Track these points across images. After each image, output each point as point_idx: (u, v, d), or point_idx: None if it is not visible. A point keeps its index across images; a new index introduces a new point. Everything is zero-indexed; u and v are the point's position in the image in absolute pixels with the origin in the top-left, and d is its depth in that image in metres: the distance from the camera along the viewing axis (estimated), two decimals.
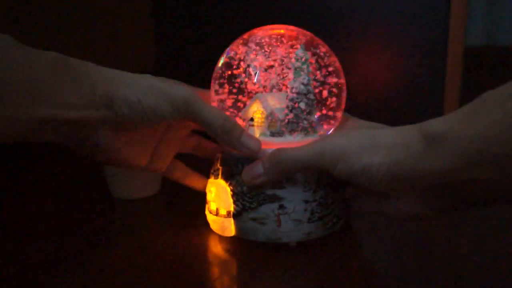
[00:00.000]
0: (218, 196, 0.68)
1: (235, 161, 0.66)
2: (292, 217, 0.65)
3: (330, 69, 0.67)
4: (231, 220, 0.67)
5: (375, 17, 1.09)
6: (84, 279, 0.62)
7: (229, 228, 0.68)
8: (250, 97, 0.68)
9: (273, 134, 0.66)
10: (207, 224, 0.73)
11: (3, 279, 0.62)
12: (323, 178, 0.66)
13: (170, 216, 0.83)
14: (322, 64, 0.67)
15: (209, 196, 0.70)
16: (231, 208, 0.67)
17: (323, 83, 0.67)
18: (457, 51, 1.09)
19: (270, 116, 0.66)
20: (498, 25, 2.19)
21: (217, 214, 0.68)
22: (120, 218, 0.82)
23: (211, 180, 0.70)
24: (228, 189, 0.67)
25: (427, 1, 1.05)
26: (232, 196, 0.67)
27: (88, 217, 0.81)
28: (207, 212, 0.72)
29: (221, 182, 0.68)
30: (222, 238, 0.70)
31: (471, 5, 2.11)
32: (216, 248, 0.69)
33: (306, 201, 0.65)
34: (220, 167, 0.69)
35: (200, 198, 0.78)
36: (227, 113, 0.69)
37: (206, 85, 0.99)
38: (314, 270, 0.62)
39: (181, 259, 0.67)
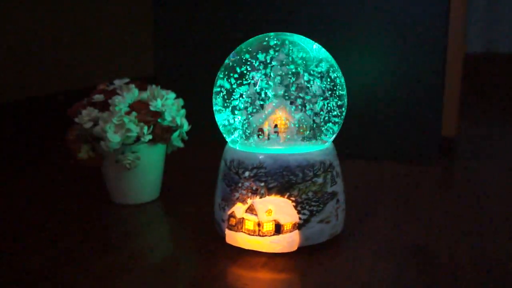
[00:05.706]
0: (281, 212, 0.64)
1: (291, 170, 0.64)
2: (341, 207, 0.70)
3: (331, 73, 0.70)
4: (297, 232, 0.65)
5: (375, 24, 1.10)
6: (83, 283, 0.61)
7: (296, 241, 0.65)
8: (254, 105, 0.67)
9: (304, 139, 0.68)
10: (204, 229, 0.74)
11: (5, 281, 0.61)
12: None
13: (169, 222, 0.83)
14: (322, 69, 0.70)
15: (265, 217, 0.64)
16: (297, 219, 0.65)
17: (325, 87, 0.71)
18: (456, 57, 1.14)
19: (299, 122, 0.67)
20: (498, 33, 2.19)
21: (280, 232, 0.64)
22: (120, 223, 0.80)
23: (257, 200, 0.64)
24: (289, 201, 0.64)
25: (427, 8, 1.08)
26: (296, 206, 0.65)
27: (88, 221, 0.81)
28: (254, 240, 0.64)
29: (276, 198, 0.64)
30: (221, 242, 0.68)
31: (471, 13, 2.07)
32: (216, 252, 0.67)
33: (343, 191, 0.71)
34: (263, 184, 0.64)
35: (199, 204, 0.84)
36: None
37: (204, 90, 0.91)
38: (314, 274, 0.63)
39: (180, 264, 0.66)
